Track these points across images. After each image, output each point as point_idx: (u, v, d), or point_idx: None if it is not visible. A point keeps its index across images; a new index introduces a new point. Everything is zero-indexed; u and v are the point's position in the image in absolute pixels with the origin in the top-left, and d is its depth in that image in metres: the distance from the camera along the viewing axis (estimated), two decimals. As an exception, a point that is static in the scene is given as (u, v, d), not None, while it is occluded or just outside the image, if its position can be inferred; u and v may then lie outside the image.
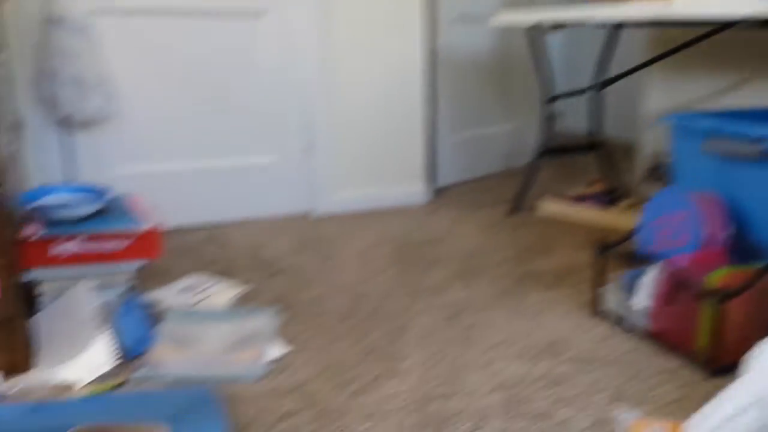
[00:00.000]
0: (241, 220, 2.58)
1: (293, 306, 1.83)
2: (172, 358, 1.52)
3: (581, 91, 2.76)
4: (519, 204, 2.68)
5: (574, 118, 3.77)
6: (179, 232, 2.41)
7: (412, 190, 2.82)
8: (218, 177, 2.53)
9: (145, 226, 1.66)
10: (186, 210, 2.47)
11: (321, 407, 1.35)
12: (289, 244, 2.34)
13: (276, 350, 1.58)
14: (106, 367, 1.47)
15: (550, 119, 2.70)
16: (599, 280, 1.74)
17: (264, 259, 2.19)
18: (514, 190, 2.95)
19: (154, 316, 1.71)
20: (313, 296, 1.89)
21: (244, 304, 1.84)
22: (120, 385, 1.42)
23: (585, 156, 3.28)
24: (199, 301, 1.83)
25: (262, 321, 1.70)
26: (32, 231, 1.58)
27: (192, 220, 2.49)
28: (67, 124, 2.21)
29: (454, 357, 1.55)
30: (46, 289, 1.63)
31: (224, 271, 2.07)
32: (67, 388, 1.41)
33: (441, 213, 2.69)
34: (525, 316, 1.75)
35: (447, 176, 3.08)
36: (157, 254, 1.69)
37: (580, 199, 2.63)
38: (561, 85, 3.39)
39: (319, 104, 2.60)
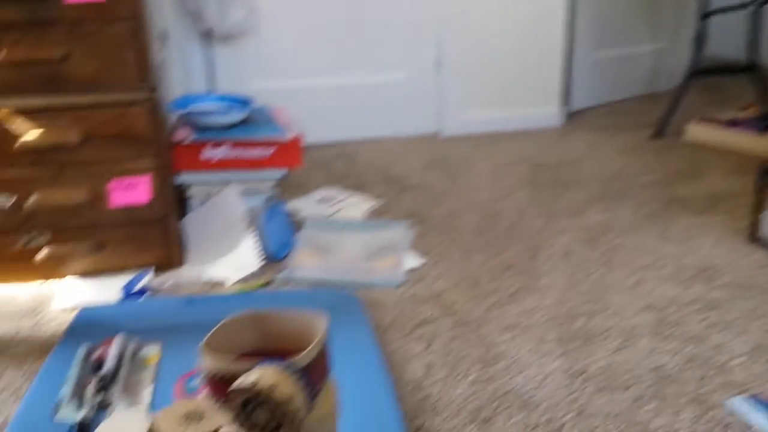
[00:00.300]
0: (369, 139, 2.58)
1: (426, 221, 1.82)
2: (313, 263, 1.55)
3: (742, 6, 2.51)
4: (664, 128, 2.51)
5: (723, 39, 3.46)
6: (310, 148, 2.44)
7: (545, 111, 2.71)
8: (348, 94, 2.52)
9: (288, 136, 1.68)
10: (316, 126, 2.49)
11: (459, 316, 1.35)
12: (418, 162, 2.32)
13: (412, 261, 1.58)
14: (252, 268, 1.52)
15: (701, 38, 2.48)
16: (759, 205, 1.61)
17: (394, 175, 2.18)
18: (656, 114, 2.76)
19: (294, 224, 1.75)
20: (445, 212, 1.88)
21: (377, 217, 1.85)
22: (266, 284, 1.47)
23: (737, 79, 3.02)
24: (335, 212, 1.86)
25: (398, 233, 1.71)
26: (183, 135, 1.64)
27: (322, 137, 2.51)
28: (209, 36, 2.26)
29: (597, 277, 1.49)
30: (195, 192, 1.70)
31: (356, 186, 2.08)
32: (216, 285, 1.48)
33: (576, 136, 2.58)
34: (674, 240, 1.66)
35: (582, 99, 2.93)
36: (299, 163, 1.72)
37: (732, 123, 2.43)
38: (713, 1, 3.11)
39: (451, 20, 2.51)
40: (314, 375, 0.79)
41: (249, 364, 0.76)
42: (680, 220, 1.78)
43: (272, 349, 0.89)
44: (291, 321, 0.88)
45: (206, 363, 0.79)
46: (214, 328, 0.86)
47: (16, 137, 1.36)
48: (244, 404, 0.73)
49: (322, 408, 0.82)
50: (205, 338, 0.83)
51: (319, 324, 0.85)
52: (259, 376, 0.73)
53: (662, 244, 1.64)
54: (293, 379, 0.74)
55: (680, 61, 3.19)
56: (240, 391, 0.72)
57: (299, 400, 0.73)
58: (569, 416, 1.05)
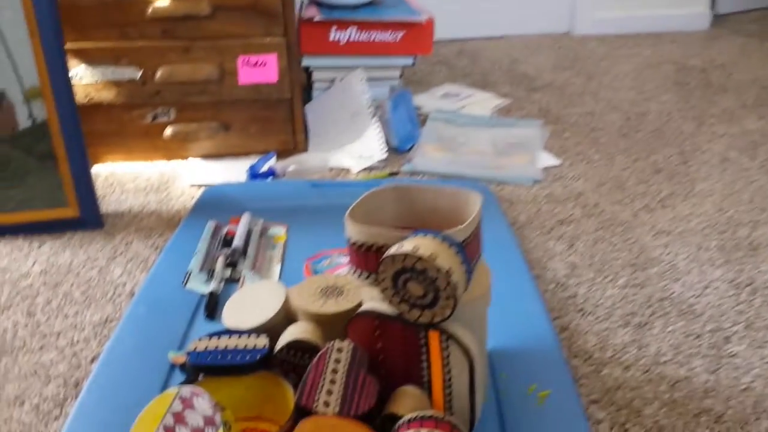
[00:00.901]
0: (493, 37, 2.41)
1: (560, 120, 1.68)
2: (440, 156, 1.46)
3: None
4: (831, 32, 2.22)
5: None
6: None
7: (690, 13, 2.45)
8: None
9: (419, 18, 1.57)
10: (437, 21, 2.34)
11: (604, 218, 1.23)
12: (548, 61, 2.15)
13: (546, 160, 1.47)
14: (376, 158, 1.45)
15: None
16: None
17: (522, 74, 2.03)
18: (819, 20, 2.46)
19: (418, 117, 1.66)
20: (581, 112, 1.73)
21: (505, 115, 1.73)
22: (393, 174, 1.40)
23: None
24: (460, 108, 1.75)
25: (529, 131, 1.58)
26: (310, 14, 1.56)
27: (442, 34, 2.36)
28: None
29: (760, 186, 1.33)
30: (318, 77, 1.62)
31: (480, 84, 1.95)
32: (341, 172, 1.42)
33: (725, 39, 2.32)
34: None
35: (730, 1, 2.63)
36: (429, 50, 1.61)
37: None
38: None
39: None
40: (469, 252, 0.72)
41: (401, 233, 0.69)
42: None
43: (417, 226, 0.81)
44: (440, 196, 0.80)
45: (353, 232, 0.73)
46: (358, 199, 0.79)
47: (147, 4, 1.31)
48: (396, 275, 0.66)
49: (474, 290, 0.74)
50: (350, 208, 0.77)
51: (473, 199, 0.77)
52: (417, 244, 0.65)
53: (836, 156, 1.45)
54: (453, 251, 0.66)
55: None
56: (395, 257, 0.65)
57: (458, 274, 0.66)
58: (737, 328, 0.93)
